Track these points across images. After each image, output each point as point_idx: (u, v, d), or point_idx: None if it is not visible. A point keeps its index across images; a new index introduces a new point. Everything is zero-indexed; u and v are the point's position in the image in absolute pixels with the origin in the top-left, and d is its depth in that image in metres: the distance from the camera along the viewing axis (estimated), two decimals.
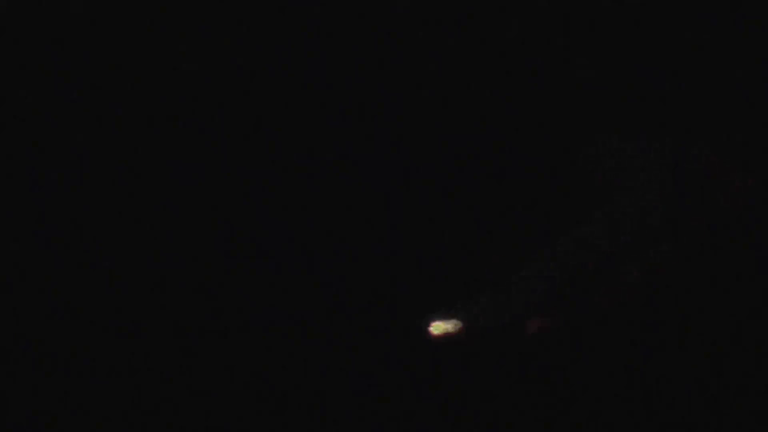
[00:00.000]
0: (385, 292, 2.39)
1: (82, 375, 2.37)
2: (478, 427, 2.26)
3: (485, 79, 2.56)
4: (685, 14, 2.52)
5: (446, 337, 2.19)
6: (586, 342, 2.32)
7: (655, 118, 2.50)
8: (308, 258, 2.46)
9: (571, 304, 2.34)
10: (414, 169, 2.49)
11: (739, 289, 2.35)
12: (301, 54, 2.57)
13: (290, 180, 2.53)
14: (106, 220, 2.50)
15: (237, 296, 2.44)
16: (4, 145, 2.49)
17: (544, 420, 2.26)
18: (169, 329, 2.45)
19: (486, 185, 2.45)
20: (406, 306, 2.38)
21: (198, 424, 2.34)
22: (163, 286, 2.48)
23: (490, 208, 2.44)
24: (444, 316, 2.21)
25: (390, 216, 2.45)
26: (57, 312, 2.42)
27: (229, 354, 2.43)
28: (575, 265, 2.36)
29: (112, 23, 2.54)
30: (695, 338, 2.31)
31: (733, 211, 2.40)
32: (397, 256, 2.43)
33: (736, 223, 2.40)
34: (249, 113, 2.56)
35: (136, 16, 2.54)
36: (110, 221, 2.50)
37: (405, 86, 2.56)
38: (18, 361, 2.36)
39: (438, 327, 2.20)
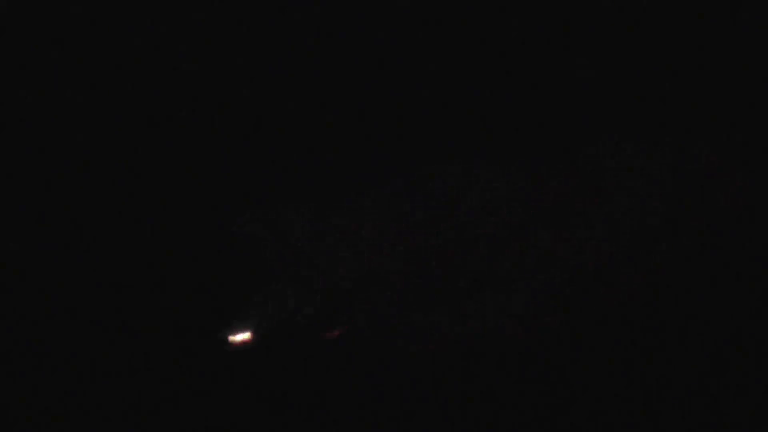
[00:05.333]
0: (384, 293, 2.39)
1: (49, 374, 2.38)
2: (478, 427, 2.26)
3: (485, 78, 2.56)
4: (685, 14, 2.52)
5: (243, 345, 2.42)
6: (586, 342, 2.32)
7: (655, 118, 2.50)
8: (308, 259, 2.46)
9: (571, 304, 2.34)
10: (414, 169, 2.49)
11: (739, 289, 2.36)
12: (301, 54, 2.57)
13: (288, 179, 2.53)
14: (104, 219, 2.50)
15: (235, 295, 2.44)
16: (4, 145, 2.49)
17: (544, 420, 2.26)
18: (168, 330, 2.45)
19: (486, 185, 2.45)
20: (407, 306, 2.38)
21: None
22: (163, 286, 2.48)
23: (490, 208, 2.44)
24: (234, 330, 2.42)
25: (389, 216, 2.45)
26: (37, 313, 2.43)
27: (226, 355, 2.43)
28: (575, 265, 2.36)
29: (112, 23, 2.53)
30: (695, 338, 2.31)
31: (733, 211, 2.40)
32: (398, 256, 2.42)
33: (736, 223, 2.40)
34: (248, 113, 2.56)
35: (136, 16, 2.54)
36: (109, 221, 2.50)
37: (405, 86, 2.56)
38: (18, 361, 2.36)
39: (234, 340, 2.39)
